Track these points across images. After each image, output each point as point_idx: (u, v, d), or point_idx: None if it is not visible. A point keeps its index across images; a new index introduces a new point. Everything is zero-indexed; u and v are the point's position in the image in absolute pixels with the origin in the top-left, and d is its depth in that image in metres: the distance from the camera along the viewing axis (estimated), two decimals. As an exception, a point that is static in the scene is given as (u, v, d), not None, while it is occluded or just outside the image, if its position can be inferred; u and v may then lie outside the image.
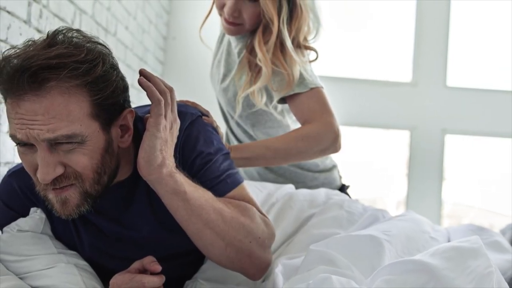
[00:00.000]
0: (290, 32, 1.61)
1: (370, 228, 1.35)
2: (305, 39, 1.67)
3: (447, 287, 0.93)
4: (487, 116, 4.22)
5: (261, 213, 1.24)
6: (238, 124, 1.79)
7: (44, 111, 0.98)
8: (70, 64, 0.99)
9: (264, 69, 1.58)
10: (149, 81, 1.08)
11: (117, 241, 1.21)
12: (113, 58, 1.08)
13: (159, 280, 1.10)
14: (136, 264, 1.11)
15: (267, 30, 1.61)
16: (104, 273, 1.20)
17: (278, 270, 1.19)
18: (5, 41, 1.65)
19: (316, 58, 1.70)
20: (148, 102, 1.12)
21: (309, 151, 1.55)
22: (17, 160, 1.72)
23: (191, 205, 1.10)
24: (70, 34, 1.04)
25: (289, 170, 1.79)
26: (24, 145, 1.03)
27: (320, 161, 1.82)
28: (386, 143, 4.52)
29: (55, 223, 1.22)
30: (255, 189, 1.54)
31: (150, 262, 1.10)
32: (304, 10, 1.61)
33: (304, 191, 1.61)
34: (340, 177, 1.91)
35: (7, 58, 1.00)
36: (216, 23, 1.79)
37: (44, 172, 1.01)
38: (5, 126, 1.68)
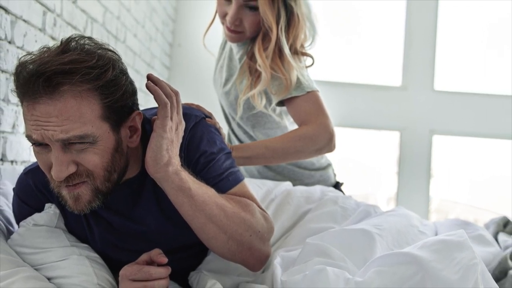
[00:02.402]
0: (288, 40, 1.60)
1: (363, 223, 1.34)
2: (302, 46, 1.67)
3: (434, 277, 0.93)
4: (472, 118, 4.22)
5: (260, 208, 1.24)
6: (239, 125, 1.79)
7: (58, 113, 0.98)
8: (82, 70, 0.99)
9: (263, 74, 1.58)
10: (156, 85, 1.08)
11: (126, 235, 1.21)
12: (122, 63, 1.08)
13: (165, 271, 1.10)
14: (144, 256, 1.11)
15: (266, 37, 1.61)
16: (114, 265, 1.20)
17: (277, 262, 1.19)
18: (21, 48, 1.65)
19: (312, 64, 1.70)
20: (155, 105, 1.12)
21: (305, 150, 1.55)
22: (33, 159, 1.72)
23: (195, 201, 1.10)
24: (82, 41, 1.04)
25: (287, 168, 1.79)
26: (39, 145, 1.03)
27: (316, 160, 1.82)
28: (377, 143, 4.52)
29: (68, 218, 1.22)
30: (255, 186, 1.54)
31: (157, 254, 1.10)
32: (301, 19, 1.61)
33: (301, 188, 1.61)
34: (335, 175, 1.91)
35: (23, 64, 1.00)
36: (218, 31, 1.79)
37: (58, 170, 1.01)
38: (22, 127, 1.68)
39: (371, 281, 0.97)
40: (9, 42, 1.58)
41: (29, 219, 1.19)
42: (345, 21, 4.43)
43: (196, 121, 1.22)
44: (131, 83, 1.09)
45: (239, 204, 1.17)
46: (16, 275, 1.04)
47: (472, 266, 0.94)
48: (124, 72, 1.07)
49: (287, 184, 1.66)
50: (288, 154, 1.54)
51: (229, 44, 1.79)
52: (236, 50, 1.75)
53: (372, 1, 4.36)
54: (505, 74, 4.32)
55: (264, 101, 1.64)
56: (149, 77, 1.10)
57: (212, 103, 1.79)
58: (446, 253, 0.97)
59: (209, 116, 1.31)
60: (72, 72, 0.98)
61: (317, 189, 1.62)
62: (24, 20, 1.66)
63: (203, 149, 1.20)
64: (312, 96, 1.59)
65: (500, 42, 4.38)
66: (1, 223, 1.25)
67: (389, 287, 0.95)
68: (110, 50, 1.07)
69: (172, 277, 1.15)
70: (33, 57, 1.01)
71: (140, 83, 2.98)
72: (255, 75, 1.63)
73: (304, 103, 1.58)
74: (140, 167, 1.17)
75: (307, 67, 1.68)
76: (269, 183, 1.61)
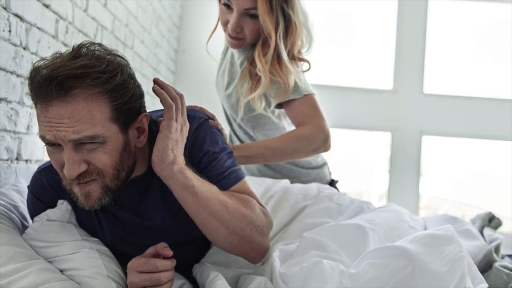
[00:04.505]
0: (286, 46, 1.60)
1: (356, 218, 1.34)
2: (299, 51, 1.66)
3: (424, 269, 0.93)
4: (459, 120, 4.22)
5: (260, 204, 1.24)
6: (240, 127, 1.79)
7: (69, 115, 0.98)
8: (93, 74, 0.99)
9: (263, 78, 1.58)
10: (162, 88, 1.09)
11: (133, 229, 1.21)
12: (130, 68, 1.08)
13: (171, 263, 1.10)
14: (150, 250, 1.11)
15: (265, 44, 1.61)
16: (122, 258, 1.20)
17: (276, 255, 1.19)
18: (35, 54, 1.65)
19: (308, 69, 1.70)
20: (161, 107, 1.12)
21: (303, 150, 1.55)
22: (46, 158, 1.72)
23: (199, 198, 1.10)
24: (92, 48, 1.04)
25: (285, 167, 1.79)
26: (52, 145, 1.03)
27: (313, 159, 1.82)
28: (370, 144, 4.52)
29: (79, 214, 1.22)
30: (255, 183, 1.54)
31: (162, 247, 1.10)
32: (298, 26, 1.61)
33: (298, 185, 1.61)
34: (330, 173, 1.91)
35: (37, 69, 1.00)
36: (221, 38, 1.79)
37: (70, 169, 1.01)
38: (36, 128, 1.68)
39: (364, 273, 0.97)
40: (24, 48, 1.58)
41: (42, 214, 1.19)
42: (342, 30, 4.43)
43: (200, 122, 1.22)
44: (138, 86, 1.09)
45: (240, 200, 1.17)
46: (31, 267, 1.04)
47: (459, 259, 0.94)
48: (132, 77, 1.07)
49: (285, 182, 1.66)
50: (286, 154, 1.54)
51: (230, 50, 1.80)
52: (237, 55, 1.75)
53: (363, 8, 4.37)
54: (491, 77, 4.32)
55: (263, 103, 1.64)
56: (155, 81, 1.10)
57: (215, 106, 1.79)
58: (435, 246, 0.97)
59: (211, 117, 1.31)
60: (83, 76, 0.98)
61: (314, 186, 1.62)
62: (38, 28, 1.66)
63: (206, 149, 1.20)
64: (308, 99, 1.59)
65: (487, 48, 4.38)
66: (17, 218, 1.25)
67: (381, 279, 0.95)
68: (119, 56, 1.07)
69: (177, 269, 1.15)
70: (46, 62, 1.01)
71: (147, 86, 2.98)
72: (255, 79, 1.63)
73: (301, 106, 1.58)
74: (147, 166, 1.17)
75: (304, 71, 1.69)
76: (268, 181, 1.61)
